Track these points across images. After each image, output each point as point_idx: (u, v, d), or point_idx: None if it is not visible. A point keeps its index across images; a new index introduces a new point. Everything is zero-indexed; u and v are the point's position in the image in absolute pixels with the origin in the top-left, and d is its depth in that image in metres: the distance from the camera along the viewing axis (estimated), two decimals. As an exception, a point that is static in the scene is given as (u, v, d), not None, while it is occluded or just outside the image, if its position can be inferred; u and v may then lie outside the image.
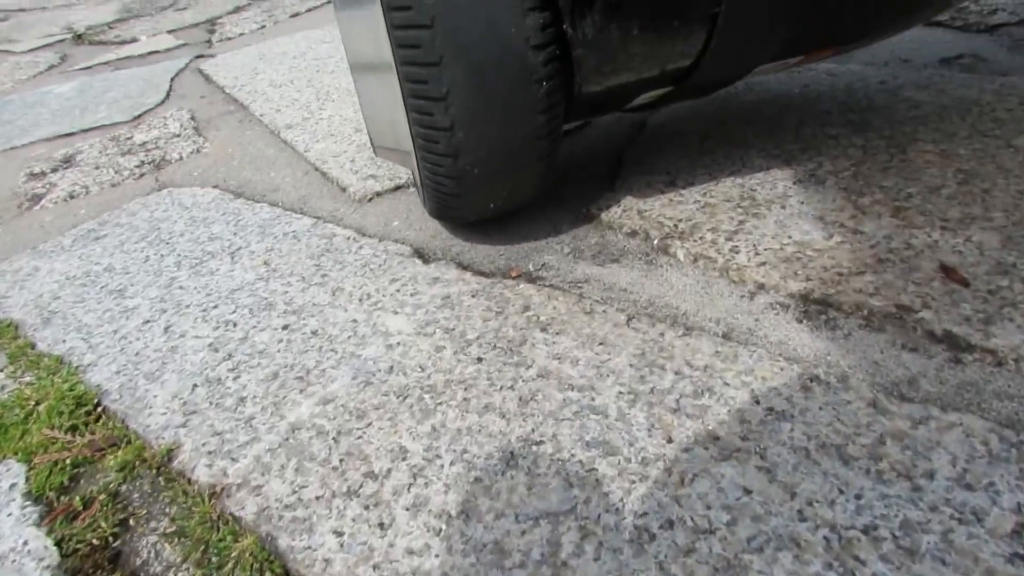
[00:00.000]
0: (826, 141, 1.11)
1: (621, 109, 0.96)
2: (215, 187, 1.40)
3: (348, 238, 1.11)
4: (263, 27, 2.66)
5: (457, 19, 0.74)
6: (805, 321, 0.79)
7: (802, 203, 0.97)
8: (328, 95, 1.78)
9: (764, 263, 0.87)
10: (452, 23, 0.74)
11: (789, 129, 1.17)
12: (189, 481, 0.70)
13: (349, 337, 0.88)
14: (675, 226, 0.98)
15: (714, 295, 0.86)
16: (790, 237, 0.91)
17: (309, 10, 2.81)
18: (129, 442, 0.77)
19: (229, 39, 2.57)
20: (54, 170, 1.63)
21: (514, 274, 0.96)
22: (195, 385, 0.84)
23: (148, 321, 0.98)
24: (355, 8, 0.85)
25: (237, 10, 3.04)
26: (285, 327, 0.92)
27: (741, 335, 0.78)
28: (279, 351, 0.87)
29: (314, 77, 1.94)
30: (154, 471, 0.73)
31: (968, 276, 0.80)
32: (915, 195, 0.94)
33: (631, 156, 1.18)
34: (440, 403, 0.74)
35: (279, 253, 1.10)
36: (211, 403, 0.80)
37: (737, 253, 0.90)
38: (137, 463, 0.74)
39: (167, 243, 1.20)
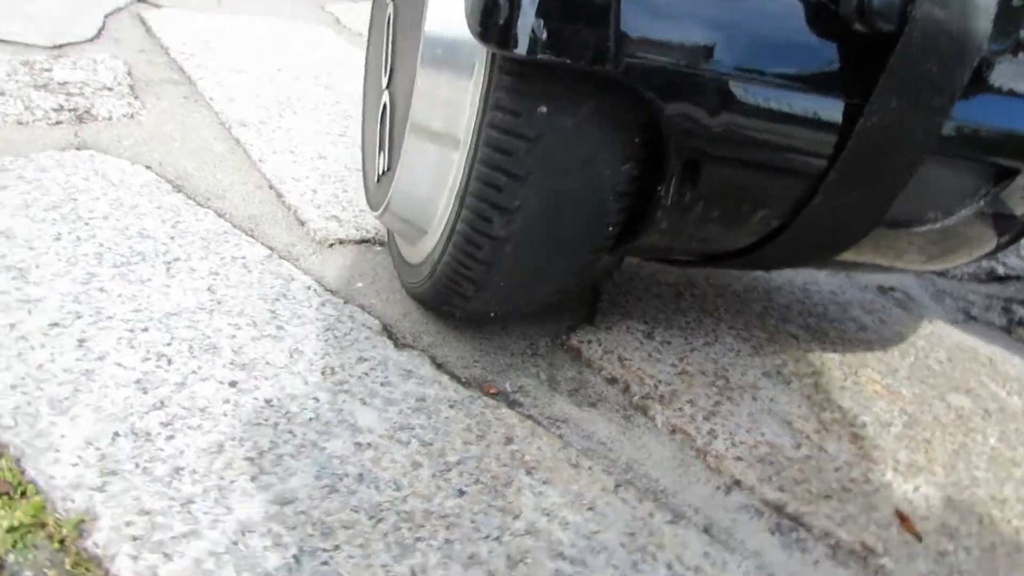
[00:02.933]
0: (788, 339, 1.17)
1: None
2: (149, 168, 1.23)
3: (308, 287, 1.00)
4: (218, -6, 2.45)
5: (560, 144, 0.69)
6: (778, 535, 0.80)
7: (771, 400, 1.00)
8: (290, 102, 1.65)
9: (740, 458, 0.88)
10: (554, 145, 0.69)
11: (755, 314, 1.22)
12: (107, 573, 0.56)
13: (311, 419, 0.77)
14: (655, 386, 0.97)
15: (691, 478, 0.84)
16: (763, 435, 0.93)
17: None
18: (24, 494, 0.61)
19: (178, -7, 2.33)
20: (-58, 74, 1.36)
21: (492, 391, 0.90)
22: (116, 434, 0.69)
23: (57, 324, 0.81)
24: (449, 73, 0.77)
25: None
26: (233, 384, 0.79)
27: (721, 534, 0.77)
28: (225, 415, 0.75)
29: (276, 76, 1.80)
30: (57, 545, 0.58)
31: (920, 531, 0.84)
32: (869, 425, 1.00)
33: (609, 293, 1.17)
34: (419, 539, 0.66)
35: (226, 281, 0.97)
36: (137, 465, 0.66)
37: (715, 438, 0.90)
38: (34, 528, 0.59)
39: (86, 223, 1.02)
